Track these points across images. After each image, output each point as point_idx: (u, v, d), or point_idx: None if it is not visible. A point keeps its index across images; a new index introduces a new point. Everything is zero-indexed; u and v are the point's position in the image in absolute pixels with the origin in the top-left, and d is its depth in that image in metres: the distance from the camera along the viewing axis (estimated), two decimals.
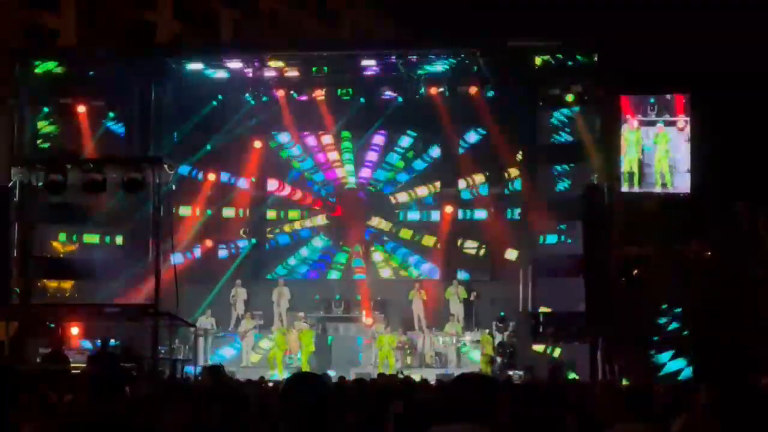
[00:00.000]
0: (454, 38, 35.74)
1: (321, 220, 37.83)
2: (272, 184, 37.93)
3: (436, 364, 33.65)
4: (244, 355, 34.61)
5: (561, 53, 33.00)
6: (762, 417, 7.20)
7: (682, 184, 32.08)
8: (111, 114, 34.65)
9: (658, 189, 32.17)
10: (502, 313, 33.63)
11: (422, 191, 37.42)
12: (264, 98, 35.89)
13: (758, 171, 34.91)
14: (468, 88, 34.67)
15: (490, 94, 34.77)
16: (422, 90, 34.94)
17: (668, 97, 32.34)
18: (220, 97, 36.01)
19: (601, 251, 30.90)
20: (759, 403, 7.57)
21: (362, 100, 35.78)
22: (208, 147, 36.32)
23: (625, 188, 32.07)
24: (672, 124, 32.14)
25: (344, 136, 37.54)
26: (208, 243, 37.17)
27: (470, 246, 36.96)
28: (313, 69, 34.68)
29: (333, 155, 37.82)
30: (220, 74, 35.04)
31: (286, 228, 37.97)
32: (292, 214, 37.97)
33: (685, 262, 32.15)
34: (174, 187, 33.48)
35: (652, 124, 32.23)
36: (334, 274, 37.63)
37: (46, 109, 34.26)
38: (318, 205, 37.79)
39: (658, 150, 32.22)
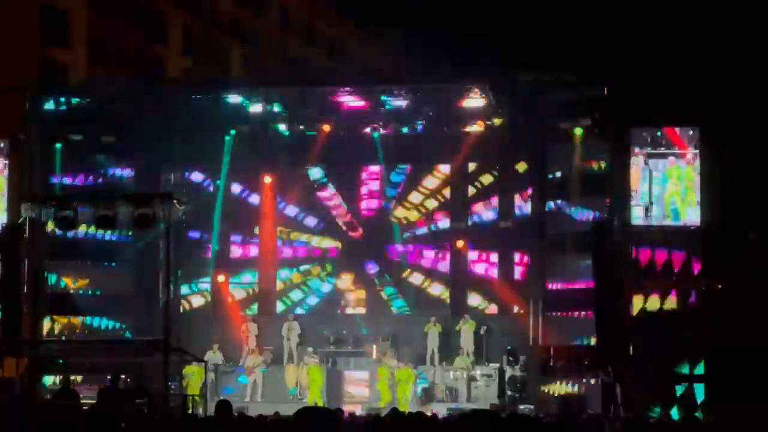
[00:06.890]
0: (464, 72, 35.71)
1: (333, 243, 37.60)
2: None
3: (446, 399, 33.50)
4: (249, 390, 34.44)
5: (570, 86, 32.97)
6: None
7: (693, 217, 31.95)
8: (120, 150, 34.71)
9: (668, 222, 32.01)
10: (510, 347, 33.53)
11: (436, 224, 37.32)
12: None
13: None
14: (477, 123, 34.74)
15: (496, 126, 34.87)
16: (429, 125, 35.00)
17: (678, 129, 32.26)
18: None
19: (612, 285, 30.78)
20: None
21: (375, 135, 35.71)
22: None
23: (637, 221, 31.87)
24: (682, 156, 32.04)
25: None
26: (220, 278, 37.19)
27: (481, 279, 36.84)
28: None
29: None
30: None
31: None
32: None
33: (696, 295, 31.94)
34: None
35: (663, 156, 32.12)
36: (344, 309, 37.45)
37: (57, 146, 34.23)
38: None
39: (668, 183, 32.10)
